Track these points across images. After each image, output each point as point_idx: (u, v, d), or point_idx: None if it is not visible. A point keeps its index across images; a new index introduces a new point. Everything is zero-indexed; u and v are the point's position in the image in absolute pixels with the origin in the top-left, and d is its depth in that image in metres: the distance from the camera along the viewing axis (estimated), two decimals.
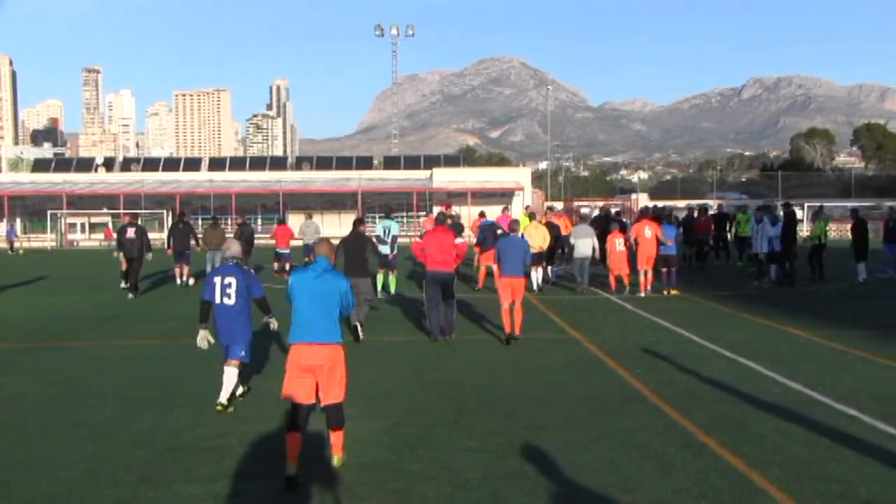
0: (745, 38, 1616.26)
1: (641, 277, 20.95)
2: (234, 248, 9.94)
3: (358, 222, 15.65)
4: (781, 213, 23.24)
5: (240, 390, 10.08)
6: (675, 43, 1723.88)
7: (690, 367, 11.74)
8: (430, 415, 9.31)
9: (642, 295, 20.53)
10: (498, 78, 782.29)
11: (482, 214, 26.17)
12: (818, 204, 44.33)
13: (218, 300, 9.51)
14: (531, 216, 24.02)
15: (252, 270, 10.27)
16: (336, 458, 7.54)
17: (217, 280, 9.55)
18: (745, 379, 11.05)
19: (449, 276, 14.35)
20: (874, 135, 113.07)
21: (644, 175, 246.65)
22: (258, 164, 73.69)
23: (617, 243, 21.31)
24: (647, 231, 21.12)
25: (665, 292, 20.87)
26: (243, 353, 9.60)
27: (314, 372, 7.36)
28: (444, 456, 7.83)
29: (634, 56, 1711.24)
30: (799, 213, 37.29)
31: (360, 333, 14.18)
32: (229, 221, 53.17)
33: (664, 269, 21.46)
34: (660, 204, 46.63)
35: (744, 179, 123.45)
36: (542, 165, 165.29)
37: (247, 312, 9.63)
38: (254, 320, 9.89)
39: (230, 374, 9.57)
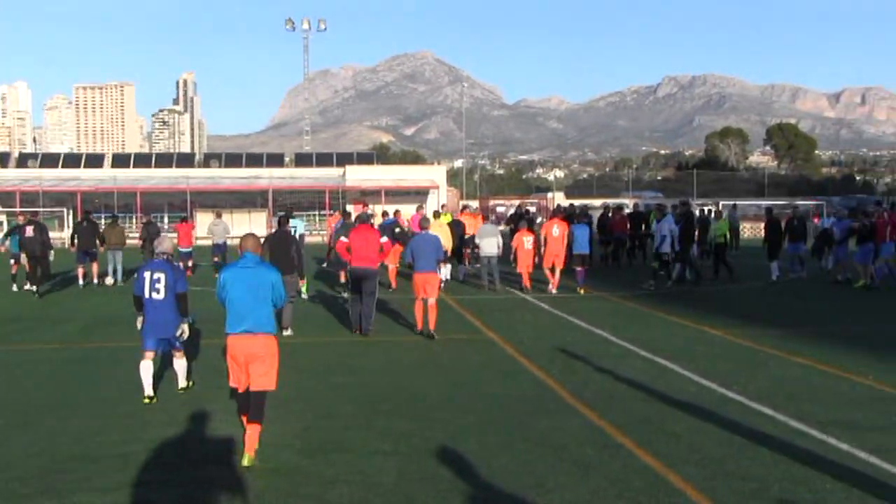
0: (660, 37, 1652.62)
1: (549, 274, 21.43)
2: (166, 244, 10.40)
3: (284, 220, 16.00)
4: (695, 212, 23.87)
5: (182, 384, 10.51)
6: (590, 41, 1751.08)
7: (607, 367, 11.91)
8: (343, 418, 9.25)
9: (554, 292, 20.96)
10: (412, 74, 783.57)
11: (384, 214, 26.15)
12: (732, 203, 45.43)
13: (147, 295, 9.89)
14: (436, 215, 24.75)
15: (180, 265, 10.63)
16: (247, 458, 7.60)
17: (147, 275, 9.96)
18: (660, 378, 11.26)
19: (372, 273, 14.86)
20: (786, 134, 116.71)
21: (560, 173, 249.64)
22: (164, 160, 72.14)
23: (525, 241, 21.73)
24: (556, 230, 21.56)
25: (580, 291, 21.24)
26: (179, 342, 10.23)
27: (249, 361, 7.95)
28: (358, 460, 7.78)
29: (550, 54, 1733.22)
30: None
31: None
32: (134, 220, 52.04)
33: (578, 269, 21.81)
34: (576, 203, 47.26)
35: (659, 178, 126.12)
36: (458, 163, 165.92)
37: (176, 306, 10.01)
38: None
39: (180, 365, 10.39)
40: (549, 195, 72.18)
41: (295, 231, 21.17)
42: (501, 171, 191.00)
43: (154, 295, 9.86)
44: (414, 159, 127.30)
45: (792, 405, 9.69)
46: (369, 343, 14.27)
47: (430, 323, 14.71)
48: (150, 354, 10.03)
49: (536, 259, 22.33)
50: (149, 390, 9.94)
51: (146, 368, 9.97)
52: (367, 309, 14.95)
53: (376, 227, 18.53)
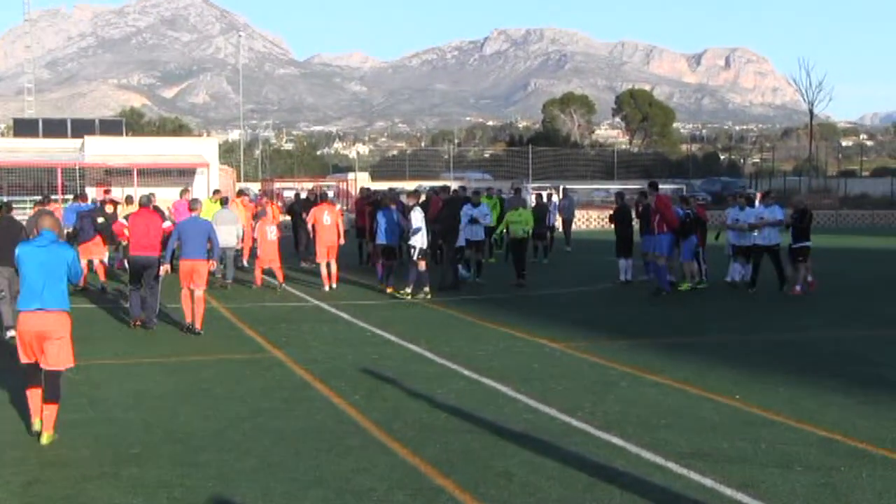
0: None
1: (323, 270, 22.69)
2: None
3: (5, 207, 17.35)
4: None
5: None
6: None
7: (422, 391, 12.02)
8: (79, 466, 8.94)
9: (326, 289, 22.41)
10: (172, 19, 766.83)
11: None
12: (565, 186, 46.51)
13: None
14: (215, 194, 26.59)
15: None
16: (45, 436, 9.57)
17: None
18: (489, 403, 11.44)
19: (153, 261, 16.98)
20: (639, 103, 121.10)
21: (364, 149, 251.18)
22: None
23: (268, 232, 23.09)
24: (327, 217, 22.87)
25: (386, 290, 21.65)
26: None
27: (41, 337, 9.72)
28: None
29: None
30: (555, 198, 39.11)
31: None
32: None
33: (381, 263, 22.57)
34: (385, 186, 47.51)
35: (487, 156, 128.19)
36: (234, 135, 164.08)
37: None
38: None
39: None
40: (351, 176, 72.22)
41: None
42: (290, 146, 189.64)
43: None
44: (176, 129, 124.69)
45: (647, 433, 10.04)
46: (115, 367, 13.86)
47: (196, 318, 16.57)
48: None
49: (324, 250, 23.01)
50: None
51: None
52: (151, 301, 17.14)
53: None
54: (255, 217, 25.70)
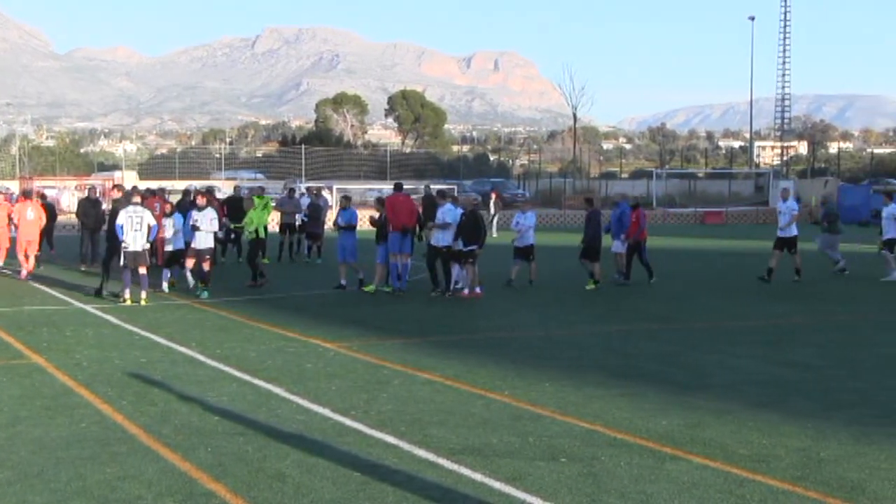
0: None
1: (25, 265, 24.26)
2: None
3: None
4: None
5: None
6: None
7: (193, 395, 11.83)
8: None
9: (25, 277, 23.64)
10: None
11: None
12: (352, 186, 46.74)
13: None
14: None
15: None
16: None
17: None
18: (261, 405, 11.36)
19: None
20: (411, 104, 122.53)
21: (132, 147, 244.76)
22: None
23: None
24: (30, 212, 24.61)
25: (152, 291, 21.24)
26: None
27: None
28: None
29: None
30: (330, 199, 39.17)
31: None
32: None
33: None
34: (154, 185, 46.46)
35: (260, 155, 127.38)
36: None
37: None
38: None
39: None
40: (118, 174, 70.32)
41: None
42: (51, 143, 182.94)
43: None
44: None
45: (419, 431, 10.17)
46: None
47: None
48: None
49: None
50: None
51: None
52: None
53: None
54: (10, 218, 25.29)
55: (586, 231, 23.95)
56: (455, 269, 22.36)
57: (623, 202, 25.49)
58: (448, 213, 22.14)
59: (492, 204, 47.81)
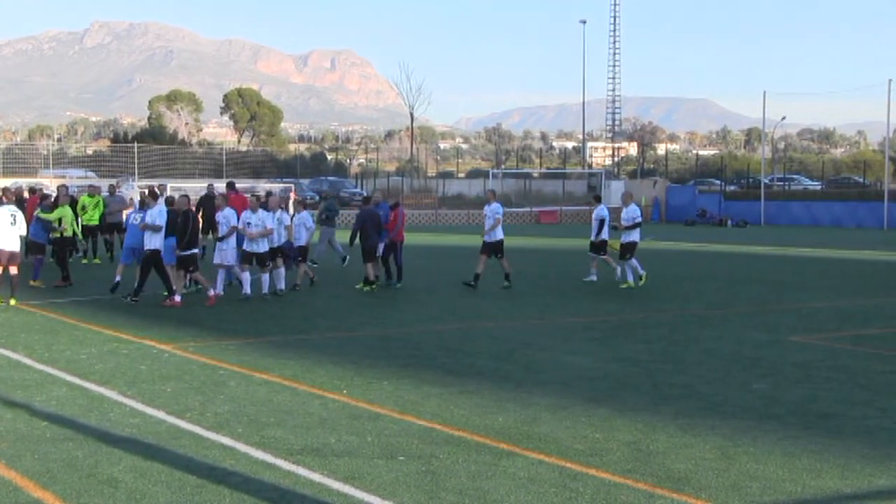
0: None
1: None
2: None
3: None
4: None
5: None
6: None
7: (19, 400, 11.51)
8: None
9: None
10: None
11: None
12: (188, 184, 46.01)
13: None
14: None
15: None
16: None
17: None
18: (92, 409, 11.10)
19: None
20: (247, 102, 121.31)
21: None
22: None
23: None
24: None
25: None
26: None
27: None
28: None
29: None
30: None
31: None
32: None
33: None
34: None
35: (91, 152, 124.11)
36: None
37: None
38: None
39: None
40: None
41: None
42: None
43: None
44: None
45: (256, 432, 10.08)
46: None
47: None
48: None
49: None
50: None
51: None
52: None
53: None
54: None
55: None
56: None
57: (384, 202, 25.38)
58: (158, 215, 20.91)
59: (291, 204, 47.20)
